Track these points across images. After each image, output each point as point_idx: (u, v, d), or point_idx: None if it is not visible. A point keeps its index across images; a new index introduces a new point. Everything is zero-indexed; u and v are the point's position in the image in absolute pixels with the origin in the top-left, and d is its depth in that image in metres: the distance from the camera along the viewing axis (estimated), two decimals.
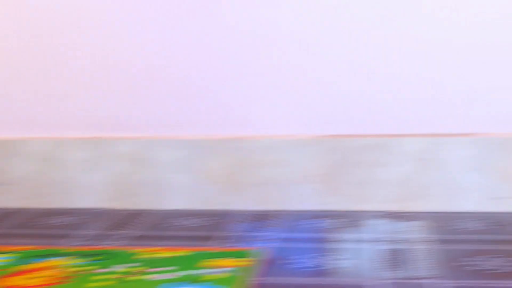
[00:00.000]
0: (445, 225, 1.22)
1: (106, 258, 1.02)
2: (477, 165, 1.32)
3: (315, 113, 1.38)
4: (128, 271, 0.97)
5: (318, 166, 1.36)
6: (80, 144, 1.44)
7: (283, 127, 1.39)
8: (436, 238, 1.14)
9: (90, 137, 1.46)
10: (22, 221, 1.32)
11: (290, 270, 0.98)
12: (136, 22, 1.41)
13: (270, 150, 1.37)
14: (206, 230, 1.22)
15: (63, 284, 0.93)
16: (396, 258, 1.04)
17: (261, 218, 1.30)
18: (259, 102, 1.40)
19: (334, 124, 1.38)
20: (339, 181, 1.36)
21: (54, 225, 1.28)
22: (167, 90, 1.42)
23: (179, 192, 1.41)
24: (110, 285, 0.92)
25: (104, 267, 0.99)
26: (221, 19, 1.39)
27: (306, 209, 1.35)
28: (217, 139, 1.40)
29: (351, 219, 1.28)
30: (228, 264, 0.99)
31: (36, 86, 1.47)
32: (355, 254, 1.06)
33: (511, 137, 1.33)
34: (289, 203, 1.36)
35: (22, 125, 1.49)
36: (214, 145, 1.40)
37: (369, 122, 1.37)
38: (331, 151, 1.36)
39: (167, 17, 1.41)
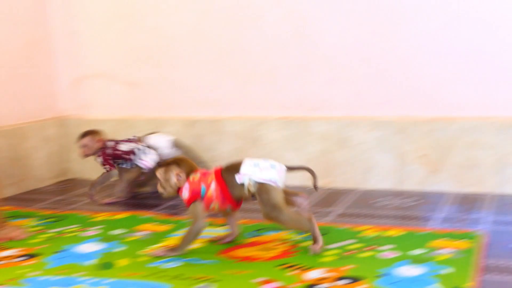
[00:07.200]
0: None
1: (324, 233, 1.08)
2: None
3: None
4: (348, 248, 1.03)
5: None
6: (280, 124, 1.52)
7: (479, 108, 1.38)
8: None
9: (286, 116, 1.53)
10: None
11: (510, 252, 0.99)
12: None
13: (466, 132, 1.37)
14: (414, 210, 1.25)
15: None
16: None
17: (466, 200, 1.31)
18: (455, 83, 1.40)
19: None
20: None
21: None
22: (365, 72, 1.46)
23: (378, 172, 1.44)
24: (334, 260, 0.98)
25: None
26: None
27: (509, 192, 1.34)
28: (412, 121, 1.42)
29: None
30: (448, 246, 1.01)
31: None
32: None
33: None
34: (491, 186, 1.36)
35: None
36: (407, 126, 1.41)
37: None
38: None
39: None
